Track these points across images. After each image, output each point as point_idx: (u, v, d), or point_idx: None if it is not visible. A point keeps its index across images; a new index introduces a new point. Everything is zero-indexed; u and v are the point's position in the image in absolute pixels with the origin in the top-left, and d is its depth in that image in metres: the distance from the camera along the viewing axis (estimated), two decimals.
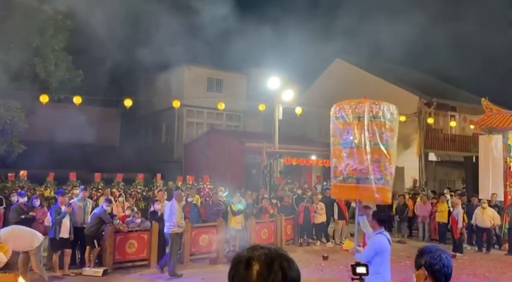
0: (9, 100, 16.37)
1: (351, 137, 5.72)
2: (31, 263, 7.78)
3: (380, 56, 26.83)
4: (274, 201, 14.04)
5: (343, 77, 24.07)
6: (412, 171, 21.02)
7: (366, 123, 5.69)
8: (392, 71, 24.93)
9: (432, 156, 20.89)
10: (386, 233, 5.73)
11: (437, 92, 23.28)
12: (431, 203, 15.13)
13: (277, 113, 18.45)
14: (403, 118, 19.96)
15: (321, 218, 14.07)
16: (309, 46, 29.13)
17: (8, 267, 8.00)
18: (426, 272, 2.42)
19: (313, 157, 20.11)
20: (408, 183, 20.72)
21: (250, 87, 27.70)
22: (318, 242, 14.10)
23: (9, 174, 14.22)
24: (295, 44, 30.90)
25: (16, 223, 8.96)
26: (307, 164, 20.28)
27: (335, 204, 14.11)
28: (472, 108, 22.48)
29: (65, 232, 9.23)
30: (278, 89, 18.35)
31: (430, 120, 20.84)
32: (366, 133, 5.64)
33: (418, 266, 2.54)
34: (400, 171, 21.63)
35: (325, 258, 11.28)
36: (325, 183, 19.57)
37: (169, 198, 11.11)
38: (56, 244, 9.26)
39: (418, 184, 20.20)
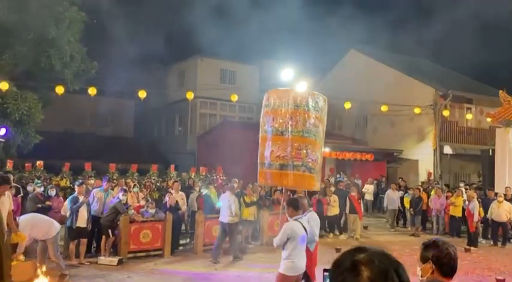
0: (26, 91, 16.61)
1: (276, 125, 5.83)
2: (48, 252, 7.93)
3: (395, 47, 26.48)
4: (287, 193, 14.02)
5: (358, 68, 23.83)
6: (427, 164, 20.81)
7: (289, 111, 5.74)
8: (407, 62, 24.59)
9: (447, 149, 20.62)
10: (304, 220, 5.82)
11: (454, 84, 22.92)
12: (446, 197, 14.98)
13: None
14: (418, 110, 19.73)
15: (334, 210, 14.01)
16: (323, 37, 28.88)
17: (26, 255, 8.17)
18: (434, 265, 2.39)
19: (327, 149, 19.98)
20: (422, 176, 20.53)
21: (263, 79, 27.62)
22: (331, 234, 14.08)
23: (26, 164, 14.48)
24: (309, 35, 30.66)
25: (33, 212, 9.11)
26: None
27: (347, 197, 14.05)
28: (489, 100, 22.09)
29: (82, 221, 9.37)
30: (291, 80, 18.25)
31: (446, 113, 20.55)
32: (289, 121, 5.72)
33: (424, 260, 2.51)
34: (414, 164, 21.44)
35: (338, 250, 11.25)
36: (338, 176, 19.50)
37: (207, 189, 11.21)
38: (72, 233, 9.41)
39: (432, 177, 19.99)
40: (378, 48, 25.89)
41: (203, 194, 12.61)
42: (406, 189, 16.64)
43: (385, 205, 15.80)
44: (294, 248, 5.59)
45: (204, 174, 16.20)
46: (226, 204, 10.30)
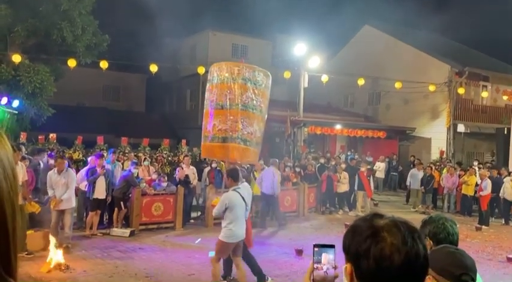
0: (38, 64, 16.64)
1: (217, 99, 5.91)
2: (65, 222, 8.04)
3: (411, 23, 25.84)
4: (297, 169, 14.04)
5: (372, 44, 23.38)
6: (440, 143, 20.59)
7: (228, 85, 5.81)
8: (423, 38, 24.02)
9: (461, 128, 20.35)
10: (242, 190, 6.03)
11: (470, 61, 22.41)
12: (459, 175, 14.85)
13: (302, 80, 18.19)
14: (432, 88, 19.40)
15: (344, 187, 14.03)
16: (337, 12, 28.28)
17: (39, 225, 8.35)
18: (431, 241, 2.35)
19: (338, 126, 19.89)
20: (435, 155, 20.35)
21: (276, 54, 27.28)
22: (341, 210, 14.13)
23: (39, 137, 14.63)
24: (323, 9, 30.05)
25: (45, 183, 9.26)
26: (331, 133, 20.10)
27: (357, 174, 14.01)
28: (506, 78, 21.61)
29: (99, 193, 9.53)
30: (304, 55, 18.00)
31: (461, 91, 20.17)
32: (228, 95, 5.80)
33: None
34: (426, 142, 21.24)
35: (347, 226, 11.28)
36: (349, 153, 19.42)
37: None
38: (90, 204, 9.59)
39: (444, 156, 19.81)
40: (393, 24, 25.30)
41: (214, 168, 12.66)
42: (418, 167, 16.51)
43: (408, 183, 15.57)
44: (233, 216, 5.88)
45: None
46: (269, 178, 11.06)
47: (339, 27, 26.81)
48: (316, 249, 1.32)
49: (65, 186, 7.89)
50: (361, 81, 18.56)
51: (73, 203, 8.21)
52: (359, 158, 18.35)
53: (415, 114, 21.41)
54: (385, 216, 1.18)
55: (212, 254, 6.68)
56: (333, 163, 15.01)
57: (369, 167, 15.93)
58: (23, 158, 8.83)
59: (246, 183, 6.63)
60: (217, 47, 26.06)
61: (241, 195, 5.97)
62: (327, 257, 1.31)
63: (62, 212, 7.97)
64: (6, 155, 0.58)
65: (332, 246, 1.33)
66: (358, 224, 1.19)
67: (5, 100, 13.07)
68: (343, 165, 14.62)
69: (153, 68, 16.32)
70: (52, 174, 8.01)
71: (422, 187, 15.01)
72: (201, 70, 17.48)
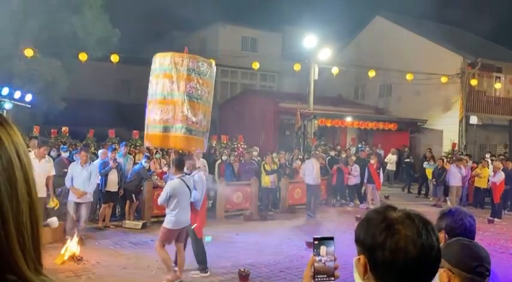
0: (50, 58, 16.79)
1: (160, 89, 5.96)
2: (80, 214, 8.09)
3: (422, 14, 25.49)
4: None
5: (383, 36, 23.14)
6: (451, 135, 20.38)
7: (172, 75, 5.89)
8: (435, 29, 23.70)
9: (474, 120, 20.10)
10: (187, 178, 6.23)
11: (483, 52, 22.05)
12: (471, 168, 14.71)
13: (312, 73, 18.09)
14: (444, 79, 19.17)
15: (355, 179, 13.99)
16: (347, 3, 28.02)
17: (52, 217, 8.46)
18: (447, 235, 2.32)
19: (349, 119, 19.79)
20: (447, 147, 20.15)
21: (286, 47, 27.15)
22: (351, 203, 14.11)
23: (52, 130, 14.79)
24: (334, 1, 29.77)
25: (59, 176, 9.37)
26: (342, 125, 20.01)
27: (366, 167, 13.96)
28: None
29: (111, 186, 9.63)
30: (314, 48, 17.87)
31: (474, 82, 19.89)
32: (171, 85, 5.87)
33: (438, 229, 2.44)
34: (438, 135, 21.04)
35: (358, 219, 11.29)
36: (360, 146, 19.33)
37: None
38: (102, 197, 9.70)
39: (456, 148, 19.61)
40: (404, 15, 24.98)
41: (225, 161, 12.71)
42: (431, 160, 16.40)
43: (447, 180, 14.79)
44: (176, 204, 6.07)
45: (225, 142, 16.28)
46: (310, 169, 11.77)
47: (349, 19, 26.60)
48: (316, 242, 1.34)
49: (87, 179, 7.96)
50: (372, 73, 18.40)
51: (91, 197, 8.30)
52: (370, 150, 18.27)
53: (427, 106, 21.19)
54: (398, 208, 1.20)
55: (208, 239, 6.87)
56: (344, 156, 14.97)
57: (392, 159, 15.84)
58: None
59: (201, 173, 6.86)
60: (227, 40, 26.02)
61: (185, 184, 6.20)
62: (325, 249, 1.33)
63: (78, 205, 8.03)
64: (22, 144, 0.59)
65: (331, 239, 1.34)
66: (372, 217, 1.20)
67: (6, 90, 13.21)
68: (354, 158, 14.58)
69: None
70: (74, 166, 8.05)
71: (434, 179, 14.90)
72: None
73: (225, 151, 13.64)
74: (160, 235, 6.37)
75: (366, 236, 1.17)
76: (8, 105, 12.96)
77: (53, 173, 8.18)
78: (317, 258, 1.32)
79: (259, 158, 13.49)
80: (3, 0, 15.83)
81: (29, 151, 7.37)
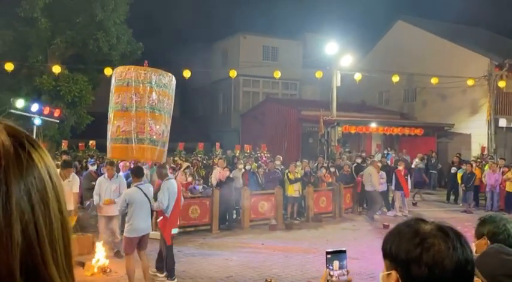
0: (77, 74, 17.27)
1: (121, 101, 6.08)
2: (113, 227, 8.21)
3: (445, 16, 25.09)
4: (332, 169, 13.90)
5: (406, 40, 22.86)
6: (480, 138, 19.86)
7: (133, 88, 6.01)
8: (459, 31, 23.26)
9: (503, 122, 19.53)
10: (144, 186, 6.40)
11: (510, 53, 21.49)
12: (502, 172, 14.27)
13: (335, 79, 18.00)
14: (471, 82, 18.74)
15: (381, 187, 13.74)
16: (368, 9, 27.84)
17: (83, 229, 8.64)
18: (489, 241, 2.24)
19: (373, 125, 19.55)
20: (475, 151, 19.64)
21: (307, 54, 27.13)
22: (379, 211, 13.85)
23: (79, 144, 15.15)
24: (353, 7, 29.64)
25: (88, 189, 9.57)
26: (366, 131, 19.77)
27: (394, 173, 13.71)
28: None
29: None
30: (336, 54, 17.81)
31: (502, 84, 19.35)
32: (133, 97, 5.99)
33: (479, 236, 2.36)
34: (466, 139, 20.54)
35: (385, 226, 11.08)
36: (385, 152, 19.04)
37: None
38: None
39: (486, 152, 19.08)
40: (426, 18, 24.64)
41: (249, 170, 12.72)
42: (459, 165, 16.01)
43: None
44: (133, 212, 6.21)
45: (248, 151, 16.32)
46: (368, 177, 12.53)
47: (370, 25, 26.40)
48: (328, 256, 1.33)
49: (116, 192, 8.09)
50: (395, 78, 18.17)
51: None
52: (396, 156, 17.96)
53: (454, 110, 20.74)
54: (428, 221, 1.18)
55: (175, 231, 7.23)
56: (369, 162, 14.74)
57: (419, 165, 15.70)
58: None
59: (172, 180, 6.97)
60: (248, 49, 26.21)
61: (143, 191, 6.33)
62: (338, 263, 1.32)
63: (109, 218, 8.14)
64: (53, 166, 0.62)
65: (344, 252, 1.32)
66: (403, 230, 1.17)
67: (35, 107, 13.63)
68: (380, 164, 14.35)
69: (186, 74, 16.60)
70: (102, 180, 8.20)
71: (463, 185, 14.52)
72: (232, 74, 17.63)
73: (249, 160, 13.67)
74: (123, 244, 6.52)
75: (399, 251, 1.14)
76: (37, 121, 13.37)
77: (76, 190, 8.34)
78: (330, 273, 1.31)
79: (283, 167, 13.46)
80: (32, 20, 16.42)
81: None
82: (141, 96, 6.08)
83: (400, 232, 1.18)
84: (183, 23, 25.93)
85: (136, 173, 6.50)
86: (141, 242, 6.47)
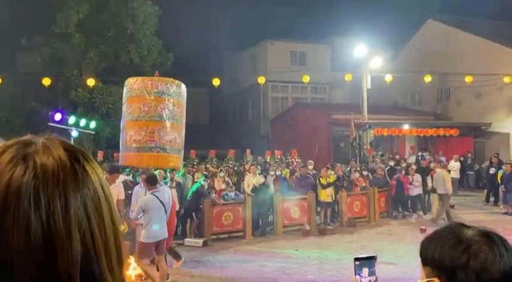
0: (110, 86, 17.79)
1: (132, 111, 6.32)
2: None
3: (476, 13, 24.36)
4: (365, 173, 13.70)
5: (437, 39, 22.34)
6: None
7: (142, 98, 6.24)
8: (491, 27, 22.52)
9: None
10: (160, 193, 6.56)
11: None
12: None
13: (365, 82, 17.79)
14: (508, 79, 18.11)
15: (417, 190, 13.43)
16: (396, 9, 27.40)
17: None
18: None
19: (406, 126, 19.16)
20: None
21: (335, 58, 26.95)
22: (415, 214, 13.53)
23: (114, 154, 15.55)
24: (382, 8, 29.26)
25: (124, 198, 9.79)
26: (399, 134, 19.39)
27: (430, 175, 13.38)
28: None
29: None
30: (365, 57, 17.60)
31: None
32: (142, 107, 6.23)
33: None
34: (505, 138, 19.82)
35: (422, 230, 10.79)
36: (420, 154, 18.60)
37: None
38: None
39: None
40: (457, 16, 24.01)
41: (279, 176, 12.70)
42: (499, 166, 15.45)
43: None
44: (150, 218, 6.40)
45: (279, 157, 16.30)
46: (441, 180, 12.34)
47: (399, 25, 25.96)
48: (357, 262, 1.32)
49: None
50: (427, 78, 17.78)
51: None
52: (431, 158, 17.51)
53: (490, 109, 20.05)
54: (471, 226, 1.15)
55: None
56: (404, 165, 14.45)
57: (455, 166, 15.34)
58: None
59: (166, 187, 7.15)
60: (275, 55, 26.29)
61: (158, 199, 6.50)
62: (368, 270, 1.31)
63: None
64: (103, 178, 0.66)
65: (372, 258, 1.31)
66: (445, 236, 1.15)
67: (72, 119, 14.09)
68: (414, 167, 14.03)
69: (216, 82, 16.80)
70: (139, 189, 8.39)
71: (503, 186, 13.98)
72: (261, 80, 17.72)
73: (280, 166, 13.65)
74: (137, 250, 6.61)
75: (443, 258, 1.11)
76: (74, 133, 13.83)
77: (122, 197, 8.55)
78: (360, 280, 1.30)
79: (314, 172, 13.37)
80: (67, 35, 17.08)
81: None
82: (149, 106, 6.31)
83: (442, 238, 1.15)
84: (211, 32, 26.28)
85: (150, 180, 6.69)
86: (158, 247, 6.67)
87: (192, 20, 22.48)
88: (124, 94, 6.70)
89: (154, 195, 6.55)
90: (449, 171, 16.79)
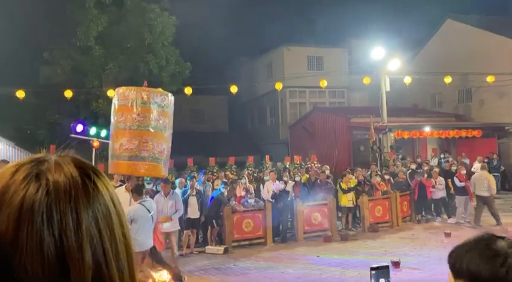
0: None
1: (124, 120, 6.41)
2: (171, 244, 8.43)
3: (495, 11, 23.90)
4: (386, 177, 13.50)
5: (456, 39, 21.98)
6: None
7: (136, 108, 6.35)
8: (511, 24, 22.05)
9: None
10: (147, 203, 6.70)
11: None
12: None
13: (383, 84, 17.60)
14: None
15: (440, 193, 13.17)
16: (414, 10, 27.12)
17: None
18: None
19: (427, 128, 18.84)
20: None
21: (352, 61, 26.77)
22: (439, 218, 13.26)
23: None
24: (398, 9, 28.98)
25: None
26: (420, 136, 19.07)
27: (454, 178, 13.07)
28: None
29: (192, 213, 9.97)
30: (383, 59, 17.42)
31: None
32: (137, 117, 6.34)
33: None
34: None
35: (447, 235, 10.57)
36: (442, 156, 18.26)
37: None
38: (185, 224, 10.06)
39: None
40: (476, 15, 23.58)
41: (299, 182, 12.63)
42: None
43: None
44: (138, 227, 6.46)
45: (298, 162, 16.23)
46: (484, 181, 12.09)
47: (417, 26, 25.69)
48: (373, 272, 1.33)
49: (172, 208, 8.34)
50: (448, 79, 17.48)
51: (178, 224, 8.63)
52: (453, 160, 17.16)
53: None
54: (503, 237, 1.12)
55: (166, 225, 7.85)
56: (426, 168, 14.19)
57: (479, 168, 14.90)
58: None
59: (149, 199, 7.23)
60: (292, 61, 26.29)
61: (146, 208, 6.62)
62: (384, 280, 1.33)
63: (167, 234, 8.38)
64: (114, 193, 0.68)
65: (387, 267, 1.32)
66: (479, 247, 1.11)
67: (93, 130, 14.33)
68: (437, 169, 13.76)
69: (233, 89, 16.87)
70: (159, 197, 8.50)
71: None
72: (278, 86, 17.72)
73: (300, 171, 13.59)
74: None
75: (480, 270, 1.08)
76: (96, 144, 14.06)
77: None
78: None
79: (331, 176, 13.27)
80: (87, 48, 17.45)
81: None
82: (144, 116, 6.45)
83: (476, 249, 1.12)
84: (227, 39, 26.50)
85: (137, 191, 6.86)
86: (153, 255, 6.88)
87: (208, 29, 22.71)
88: (115, 102, 6.85)
89: (142, 204, 6.68)
90: (473, 173, 16.46)
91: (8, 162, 8.63)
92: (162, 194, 8.49)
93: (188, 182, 10.49)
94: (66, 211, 0.58)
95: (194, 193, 10.17)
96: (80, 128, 14.53)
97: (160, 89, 7.14)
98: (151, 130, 6.48)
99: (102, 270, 0.60)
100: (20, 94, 14.93)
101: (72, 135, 13.79)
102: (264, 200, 11.49)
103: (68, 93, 15.40)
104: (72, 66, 17.74)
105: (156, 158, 6.55)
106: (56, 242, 0.57)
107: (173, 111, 6.93)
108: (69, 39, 17.17)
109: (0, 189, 0.59)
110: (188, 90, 16.58)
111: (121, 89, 6.79)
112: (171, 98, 6.89)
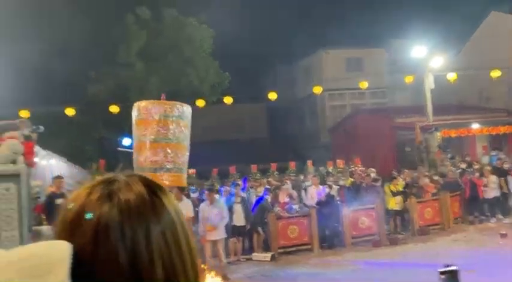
0: None
1: (148, 133, 6.39)
2: (218, 252, 8.57)
3: None
4: (435, 178, 13.06)
5: (503, 31, 21.04)
6: None
7: (159, 120, 6.34)
8: None
9: None
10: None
11: None
12: None
13: (427, 82, 17.09)
14: None
15: (493, 192, 12.58)
16: (454, 5, 26.22)
17: None
18: None
19: (476, 126, 18.10)
20: None
21: (392, 60, 26.20)
22: (493, 218, 12.66)
23: None
24: (438, 5, 28.13)
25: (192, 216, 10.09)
26: (469, 134, 18.34)
27: (507, 177, 12.48)
28: None
29: (238, 220, 10.07)
30: (425, 56, 16.94)
31: None
32: (161, 129, 6.31)
33: None
34: None
35: (503, 235, 10.07)
36: (493, 153, 17.45)
37: None
38: (231, 231, 10.18)
39: None
40: None
41: (343, 186, 12.46)
42: None
43: None
44: None
45: (341, 166, 16.01)
46: None
47: (459, 21, 24.80)
48: (442, 276, 1.29)
49: (218, 216, 8.48)
50: (495, 73, 16.74)
51: (224, 232, 8.75)
52: (506, 157, 16.35)
53: None
54: None
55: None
56: (476, 167, 13.62)
57: None
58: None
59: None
60: (331, 64, 26.10)
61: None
62: None
63: (213, 242, 8.52)
64: (177, 205, 0.73)
65: (456, 271, 1.28)
66: None
67: (126, 141, 14.79)
68: (489, 168, 13.17)
69: (272, 96, 16.93)
70: (204, 206, 8.68)
71: None
72: (317, 90, 17.63)
73: (343, 176, 13.40)
74: None
75: None
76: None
77: (191, 214, 8.79)
78: None
79: (377, 178, 12.98)
80: (129, 64, 18.12)
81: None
82: (166, 129, 6.63)
83: None
84: (264, 46, 26.65)
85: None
86: None
87: (245, 38, 22.96)
88: (135, 115, 7.13)
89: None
90: None
91: (62, 177, 9.03)
92: (208, 202, 8.64)
93: (233, 189, 10.62)
94: (136, 227, 0.64)
95: (239, 200, 10.27)
96: (126, 141, 15.06)
97: (178, 102, 7.51)
98: (174, 141, 6.77)
99: (171, 279, 0.65)
100: (70, 112, 15.67)
101: (119, 149, 14.30)
102: (307, 206, 11.42)
103: (114, 109, 16.00)
104: (116, 84, 18.45)
105: (180, 169, 6.85)
106: (128, 256, 0.63)
107: (190, 119, 7.26)
108: (112, 58, 17.89)
109: (78, 208, 0.66)
110: (228, 100, 16.81)
111: (143, 103, 7.10)
112: (188, 109, 7.22)
